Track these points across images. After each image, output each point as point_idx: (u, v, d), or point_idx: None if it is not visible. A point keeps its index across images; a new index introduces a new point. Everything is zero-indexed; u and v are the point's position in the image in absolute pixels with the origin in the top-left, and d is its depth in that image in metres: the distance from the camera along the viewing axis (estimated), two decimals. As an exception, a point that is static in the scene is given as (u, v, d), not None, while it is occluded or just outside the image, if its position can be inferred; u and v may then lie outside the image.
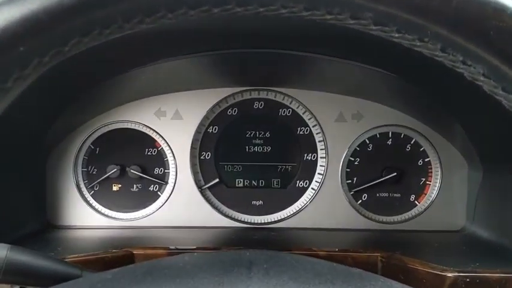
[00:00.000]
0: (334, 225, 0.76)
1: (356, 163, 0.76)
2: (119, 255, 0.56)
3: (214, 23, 0.55)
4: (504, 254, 0.63)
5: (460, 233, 0.75)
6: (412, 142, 0.76)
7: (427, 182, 0.76)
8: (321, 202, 0.76)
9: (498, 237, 0.67)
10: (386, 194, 0.76)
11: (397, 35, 0.26)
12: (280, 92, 0.76)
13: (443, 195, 0.75)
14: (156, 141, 0.76)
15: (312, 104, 0.76)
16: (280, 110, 0.77)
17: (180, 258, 0.32)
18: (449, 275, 0.53)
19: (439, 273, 0.54)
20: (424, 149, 0.76)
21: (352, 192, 0.76)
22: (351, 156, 0.76)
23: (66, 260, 0.54)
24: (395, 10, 0.25)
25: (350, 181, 0.76)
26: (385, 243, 0.70)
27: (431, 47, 0.26)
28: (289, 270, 0.33)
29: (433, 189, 0.76)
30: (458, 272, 0.53)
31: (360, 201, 0.77)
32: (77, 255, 0.56)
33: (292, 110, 0.76)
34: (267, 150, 0.77)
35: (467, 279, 0.53)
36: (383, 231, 0.75)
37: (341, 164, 0.76)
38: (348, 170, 0.76)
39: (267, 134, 0.77)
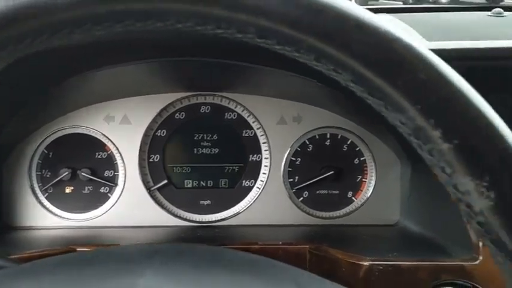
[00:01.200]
0: (277, 221, 0.81)
1: (297, 163, 0.81)
2: (62, 252, 0.60)
3: (150, 34, 0.59)
4: (430, 246, 0.68)
5: (394, 227, 0.80)
6: (348, 142, 0.81)
7: (363, 179, 0.81)
8: (266, 200, 0.81)
9: (427, 231, 0.73)
10: (325, 191, 0.82)
11: (278, 47, 0.30)
12: (226, 97, 0.80)
13: (378, 191, 0.81)
14: (105, 145, 0.80)
15: (255, 108, 0.80)
16: (226, 113, 0.81)
17: (91, 252, 0.36)
18: (365, 263, 0.59)
19: (356, 262, 0.59)
20: (359, 149, 0.81)
21: (294, 190, 0.81)
22: (293, 157, 0.81)
23: (12, 257, 0.58)
24: (273, 25, 0.29)
25: (292, 180, 0.81)
26: (322, 237, 0.75)
27: (307, 58, 0.30)
28: (194, 260, 0.37)
29: (369, 186, 0.81)
30: (373, 260, 0.58)
31: (301, 198, 0.82)
32: (22, 252, 0.60)
33: (238, 113, 0.81)
34: (214, 152, 0.82)
35: (381, 267, 0.58)
36: (323, 225, 0.81)
37: (283, 164, 0.81)
38: (290, 169, 0.81)
39: (214, 137, 0.81)
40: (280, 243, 0.70)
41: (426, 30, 0.87)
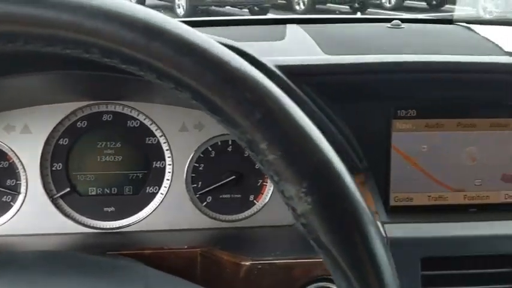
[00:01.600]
0: (182, 226, 0.83)
1: (201, 169, 0.84)
2: None
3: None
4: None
5: (292, 227, 0.84)
6: (248, 148, 0.85)
7: (264, 183, 0.85)
8: (169, 206, 0.83)
9: None
10: (228, 196, 0.85)
11: (124, 66, 0.33)
12: (128, 106, 0.82)
13: (277, 193, 0.84)
14: (7, 154, 0.80)
15: (157, 115, 0.83)
16: (129, 121, 0.83)
17: None
18: (246, 263, 0.62)
19: (238, 262, 0.63)
20: (258, 154, 0.85)
21: (197, 195, 0.84)
22: (196, 163, 0.84)
23: None
24: (112, 46, 0.32)
25: (195, 185, 0.84)
26: (222, 239, 0.78)
27: (151, 76, 0.33)
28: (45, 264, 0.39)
29: (269, 189, 0.85)
30: (253, 260, 0.62)
31: (205, 202, 0.85)
32: None
33: (140, 121, 0.83)
34: (118, 159, 0.83)
35: (259, 266, 0.62)
36: (226, 228, 0.84)
37: (186, 170, 0.83)
38: (194, 175, 0.84)
39: (118, 144, 0.83)
40: (186, 247, 0.73)
41: (325, 42, 0.93)
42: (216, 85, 0.33)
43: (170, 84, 0.33)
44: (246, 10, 8.45)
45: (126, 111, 0.82)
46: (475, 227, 0.70)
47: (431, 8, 8.84)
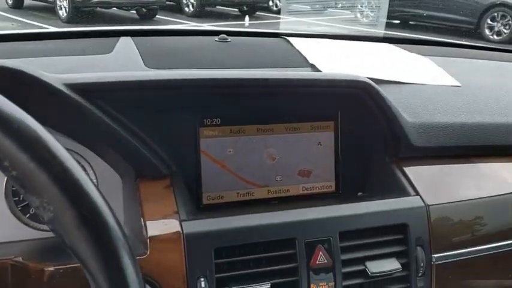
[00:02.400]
0: (6, 239, 0.84)
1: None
2: None
3: None
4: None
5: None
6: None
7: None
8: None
9: None
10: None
11: None
12: None
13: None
14: None
15: None
16: None
17: None
18: (50, 268, 0.66)
19: (41, 268, 0.66)
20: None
21: (19, 208, 0.86)
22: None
23: None
24: None
25: (17, 198, 0.86)
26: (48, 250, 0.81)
27: None
28: None
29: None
30: (55, 265, 0.67)
31: (28, 214, 0.87)
32: None
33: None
34: None
35: (61, 271, 0.66)
36: (44, 238, 0.86)
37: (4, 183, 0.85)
38: (14, 188, 0.86)
39: None
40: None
41: (151, 55, 0.99)
42: None
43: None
44: (134, 12, 8.28)
45: None
46: (272, 217, 0.79)
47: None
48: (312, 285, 0.76)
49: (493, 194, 0.91)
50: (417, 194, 0.86)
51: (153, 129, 0.79)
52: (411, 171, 0.90)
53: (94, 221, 0.42)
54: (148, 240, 0.70)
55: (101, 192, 0.43)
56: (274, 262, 0.75)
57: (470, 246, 0.87)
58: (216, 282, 0.72)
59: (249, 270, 0.74)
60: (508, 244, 0.91)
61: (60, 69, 0.81)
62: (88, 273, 0.44)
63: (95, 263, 0.43)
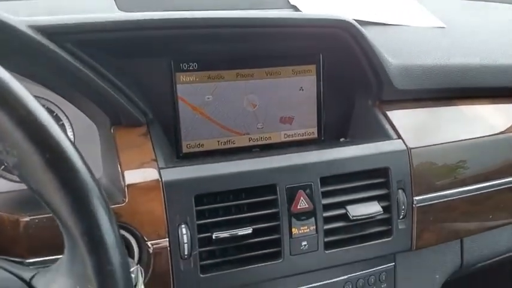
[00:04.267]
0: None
1: None
2: None
3: None
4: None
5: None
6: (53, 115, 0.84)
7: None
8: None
9: None
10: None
11: None
12: None
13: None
14: None
15: None
16: None
17: None
18: (24, 219, 0.65)
19: (16, 218, 0.65)
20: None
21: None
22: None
23: None
24: None
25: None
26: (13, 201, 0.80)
27: None
28: None
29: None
30: (31, 215, 0.65)
31: (3, 166, 0.84)
32: None
33: None
34: None
35: (36, 220, 0.65)
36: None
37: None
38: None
39: None
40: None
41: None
42: None
43: None
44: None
45: None
46: (253, 163, 0.78)
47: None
48: (293, 229, 0.76)
49: (474, 136, 0.91)
50: (399, 137, 0.85)
51: (126, 75, 0.76)
52: (394, 114, 0.88)
53: (60, 165, 0.40)
54: (126, 188, 0.68)
55: (67, 136, 0.41)
56: (256, 208, 0.75)
57: (451, 189, 0.88)
58: (197, 229, 0.71)
59: (230, 216, 0.73)
60: (488, 186, 0.92)
61: (28, 13, 0.76)
62: (58, 220, 0.43)
63: (64, 208, 0.41)
